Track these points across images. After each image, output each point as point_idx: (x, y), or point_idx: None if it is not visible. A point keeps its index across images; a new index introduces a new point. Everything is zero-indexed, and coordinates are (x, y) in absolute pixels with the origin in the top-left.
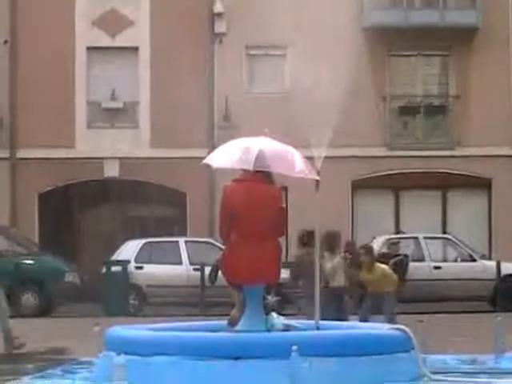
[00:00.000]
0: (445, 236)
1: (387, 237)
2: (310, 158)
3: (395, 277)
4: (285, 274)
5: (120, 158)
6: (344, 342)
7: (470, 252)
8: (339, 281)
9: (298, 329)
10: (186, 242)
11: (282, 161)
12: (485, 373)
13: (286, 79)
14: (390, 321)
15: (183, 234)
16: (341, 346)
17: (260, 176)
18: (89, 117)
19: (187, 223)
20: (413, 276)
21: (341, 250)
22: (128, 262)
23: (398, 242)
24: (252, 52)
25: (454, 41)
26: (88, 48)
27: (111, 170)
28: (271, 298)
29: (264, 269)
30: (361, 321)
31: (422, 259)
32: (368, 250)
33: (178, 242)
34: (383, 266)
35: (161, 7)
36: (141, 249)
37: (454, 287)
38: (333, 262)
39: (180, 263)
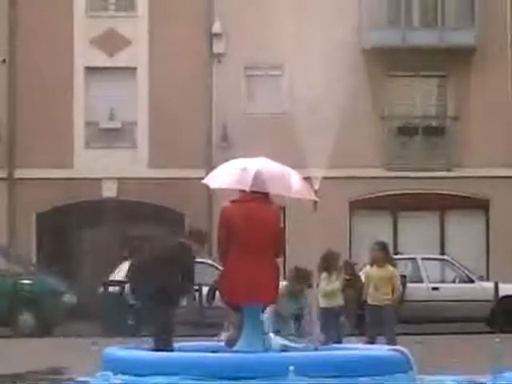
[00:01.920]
0: (443, 257)
1: None
2: (307, 179)
3: (401, 287)
4: None
5: (118, 178)
6: (342, 363)
7: (468, 273)
8: (338, 301)
9: (296, 349)
10: None
11: (279, 181)
12: None
13: (285, 99)
14: (390, 341)
15: None
16: (339, 367)
17: (258, 196)
18: (87, 137)
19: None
20: (411, 297)
21: (338, 270)
22: (125, 282)
23: (396, 263)
24: (250, 72)
25: (452, 61)
26: (86, 68)
27: (109, 190)
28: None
29: (262, 289)
30: (368, 342)
31: (419, 280)
32: (382, 245)
33: None
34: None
35: (159, 27)
36: None
37: (452, 308)
38: (333, 285)
39: None
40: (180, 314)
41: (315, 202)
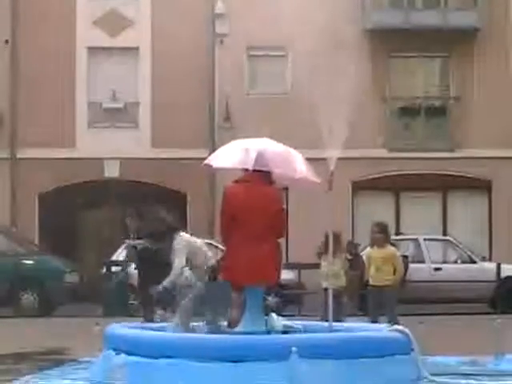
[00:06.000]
0: (445, 238)
1: None
2: (310, 160)
3: (402, 267)
4: (285, 274)
5: (120, 159)
6: (343, 344)
7: (470, 254)
8: (340, 283)
9: (299, 330)
10: None
11: (282, 161)
12: (485, 374)
13: (287, 80)
14: (392, 322)
15: None
16: (340, 348)
17: (260, 177)
18: (89, 117)
19: (187, 224)
20: (413, 277)
21: (341, 251)
22: (127, 262)
23: (398, 244)
24: (253, 53)
25: (454, 42)
26: (89, 48)
27: (111, 171)
28: (271, 299)
29: (264, 270)
30: (372, 322)
31: (422, 261)
32: (383, 227)
33: None
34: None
35: (162, 7)
36: None
37: (454, 289)
38: (335, 267)
39: None
40: None
41: (330, 182)
